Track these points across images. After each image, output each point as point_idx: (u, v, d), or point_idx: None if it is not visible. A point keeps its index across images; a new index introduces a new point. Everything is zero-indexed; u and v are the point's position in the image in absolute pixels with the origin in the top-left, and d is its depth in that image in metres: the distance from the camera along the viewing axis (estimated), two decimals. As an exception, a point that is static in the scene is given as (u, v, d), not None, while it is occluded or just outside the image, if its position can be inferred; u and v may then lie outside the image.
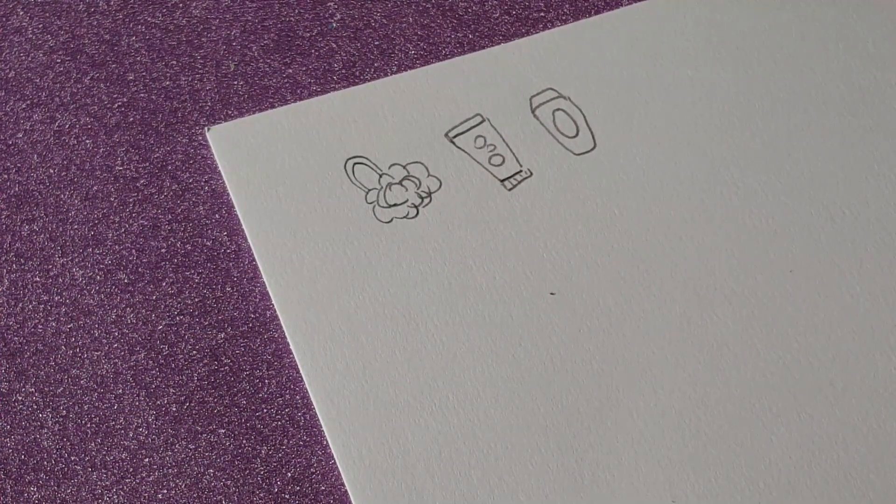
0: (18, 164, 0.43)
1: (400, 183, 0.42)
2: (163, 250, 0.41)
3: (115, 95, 0.45)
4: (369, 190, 0.42)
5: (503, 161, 0.42)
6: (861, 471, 0.36)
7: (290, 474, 0.37)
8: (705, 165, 0.41)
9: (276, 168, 0.42)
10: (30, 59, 0.46)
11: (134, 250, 0.41)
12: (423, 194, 0.41)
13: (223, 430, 0.38)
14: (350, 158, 0.42)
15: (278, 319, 0.39)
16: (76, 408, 0.38)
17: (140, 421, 0.38)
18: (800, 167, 0.41)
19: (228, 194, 0.42)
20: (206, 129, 0.43)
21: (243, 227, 0.41)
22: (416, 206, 0.41)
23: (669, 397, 0.37)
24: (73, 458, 0.37)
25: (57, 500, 0.37)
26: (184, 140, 0.44)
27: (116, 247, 0.42)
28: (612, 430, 0.37)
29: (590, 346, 0.38)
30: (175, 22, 0.47)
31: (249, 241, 0.41)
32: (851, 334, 0.38)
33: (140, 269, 0.41)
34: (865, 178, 0.41)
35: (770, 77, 0.42)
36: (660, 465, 0.36)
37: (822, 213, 0.41)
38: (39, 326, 0.40)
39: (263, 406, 0.38)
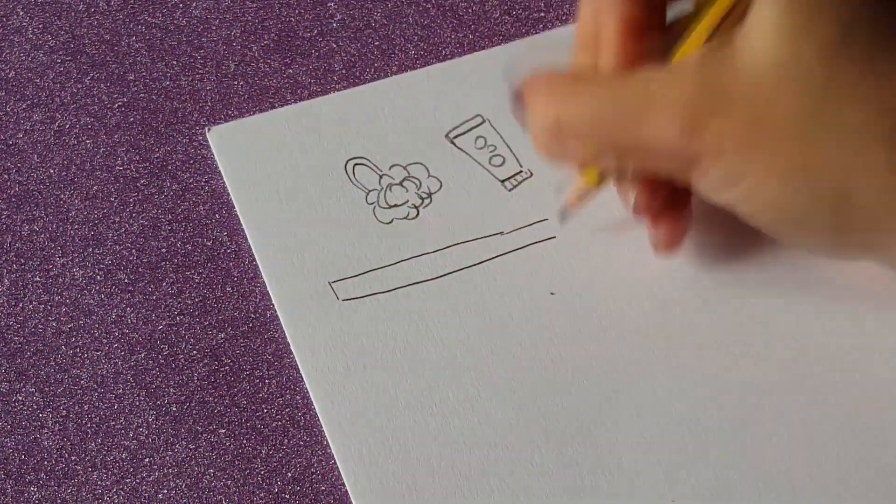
0: (19, 164, 0.43)
1: (400, 184, 0.42)
2: (163, 250, 0.41)
3: (115, 95, 0.45)
4: (370, 191, 0.42)
5: (503, 161, 0.42)
6: (861, 469, 0.36)
7: (290, 474, 0.37)
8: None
9: (277, 168, 0.42)
10: (30, 59, 0.46)
11: (134, 250, 0.41)
12: (424, 195, 0.42)
13: (223, 430, 0.38)
14: (350, 159, 0.42)
15: (278, 319, 0.39)
16: (76, 408, 0.38)
17: (140, 421, 0.38)
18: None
19: (229, 194, 0.42)
20: (206, 129, 0.43)
21: (243, 227, 0.41)
22: (416, 207, 0.41)
23: (669, 397, 0.37)
24: (73, 458, 0.37)
25: (57, 500, 0.37)
26: (184, 140, 0.44)
27: (117, 247, 0.42)
28: (612, 431, 0.37)
29: (589, 345, 0.38)
30: (175, 22, 0.47)
31: (250, 241, 0.41)
32: (850, 333, 0.38)
33: (140, 269, 0.41)
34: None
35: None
36: (660, 465, 0.36)
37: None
38: (40, 326, 0.40)
39: (264, 406, 0.38)
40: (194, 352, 0.39)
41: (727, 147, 0.32)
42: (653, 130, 0.33)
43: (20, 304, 0.40)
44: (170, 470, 0.37)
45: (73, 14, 0.47)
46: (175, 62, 0.46)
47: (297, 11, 0.47)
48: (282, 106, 0.44)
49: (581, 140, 0.35)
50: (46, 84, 0.45)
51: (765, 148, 0.32)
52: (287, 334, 0.39)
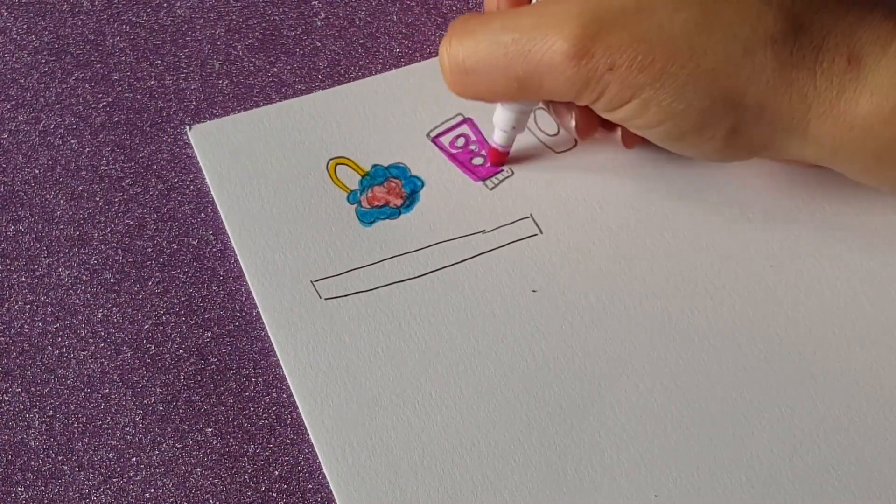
0: (3, 165, 0.43)
1: (382, 183, 0.42)
2: (149, 249, 0.42)
3: (99, 95, 0.45)
4: (351, 190, 0.42)
5: (484, 160, 0.42)
6: (842, 463, 0.36)
7: (276, 472, 0.37)
8: (686, 162, 0.42)
9: (259, 168, 0.42)
10: (14, 59, 0.46)
11: (120, 250, 0.42)
12: (405, 194, 0.42)
13: (210, 429, 0.38)
14: (332, 159, 0.42)
15: (264, 318, 0.39)
16: (63, 408, 0.38)
17: (127, 420, 0.38)
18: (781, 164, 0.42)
19: (213, 193, 0.42)
20: (187, 128, 0.44)
21: (225, 226, 0.41)
22: (397, 207, 0.41)
23: (651, 392, 0.38)
24: (60, 458, 0.38)
25: (44, 500, 0.37)
26: (169, 139, 0.44)
27: (102, 246, 0.42)
28: (595, 426, 0.37)
29: (572, 342, 0.39)
30: (159, 21, 0.47)
31: (231, 240, 0.41)
32: (832, 328, 0.39)
33: (126, 269, 0.41)
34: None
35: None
36: (642, 459, 0.36)
37: (802, 208, 0.41)
38: (25, 326, 0.40)
39: (250, 405, 0.38)
40: (180, 351, 0.39)
41: (620, 62, 0.34)
42: (546, 52, 0.34)
43: (6, 305, 0.40)
44: (156, 469, 0.37)
45: (57, 14, 0.47)
46: (159, 61, 0.46)
47: (281, 10, 0.47)
48: (267, 104, 0.44)
49: (485, 76, 0.36)
50: (31, 84, 0.45)
51: (657, 59, 0.33)
52: (270, 333, 0.39)
